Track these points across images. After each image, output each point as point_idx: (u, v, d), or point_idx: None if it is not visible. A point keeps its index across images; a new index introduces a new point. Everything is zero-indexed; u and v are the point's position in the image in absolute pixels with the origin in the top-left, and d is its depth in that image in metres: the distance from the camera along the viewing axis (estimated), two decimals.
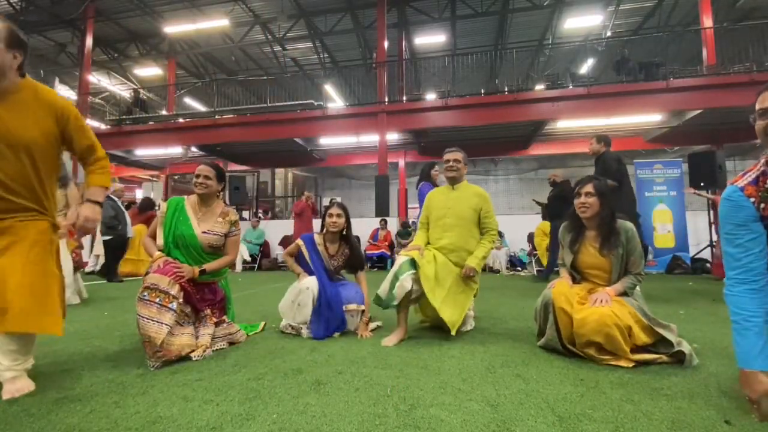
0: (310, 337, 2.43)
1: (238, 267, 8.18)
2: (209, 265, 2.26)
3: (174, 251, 2.26)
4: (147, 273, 2.07)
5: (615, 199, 3.63)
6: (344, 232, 2.71)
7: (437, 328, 2.62)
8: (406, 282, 2.31)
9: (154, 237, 2.34)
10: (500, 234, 7.63)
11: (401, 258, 2.42)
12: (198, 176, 2.33)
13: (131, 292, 4.13)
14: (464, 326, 2.58)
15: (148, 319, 1.91)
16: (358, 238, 9.37)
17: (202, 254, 2.28)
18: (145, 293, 1.96)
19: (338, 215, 2.66)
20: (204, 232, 2.29)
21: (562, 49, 12.97)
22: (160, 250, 2.25)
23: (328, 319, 2.46)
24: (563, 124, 11.38)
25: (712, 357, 1.95)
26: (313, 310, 2.48)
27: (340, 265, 2.72)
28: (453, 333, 2.35)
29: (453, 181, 2.73)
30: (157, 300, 1.96)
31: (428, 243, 2.67)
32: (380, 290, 2.38)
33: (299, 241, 2.71)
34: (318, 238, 2.71)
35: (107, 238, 5.88)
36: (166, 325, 1.93)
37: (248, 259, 8.54)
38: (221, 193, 2.46)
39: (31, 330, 1.52)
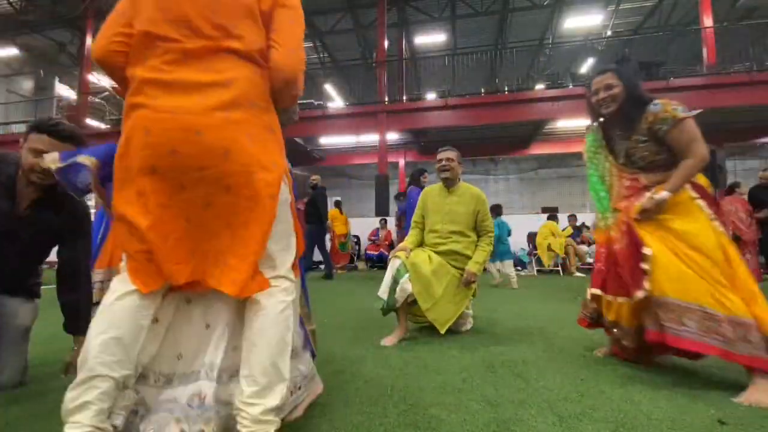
0: None
1: None
2: None
3: None
4: None
5: None
6: None
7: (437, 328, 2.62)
8: (406, 285, 2.32)
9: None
10: None
11: (396, 261, 2.41)
12: None
13: None
14: (463, 326, 2.59)
15: None
16: (357, 237, 9.44)
17: None
18: None
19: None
20: None
21: (562, 48, 12.96)
22: None
23: None
24: (563, 124, 11.38)
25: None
26: None
27: None
28: (442, 332, 2.36)
29: (448, 183, 2.63)
30: None
31: (422, 243, 2.65)
32: (380, 294, 2.38)
33: None
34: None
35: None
36: None
37: None
38: None
39: None
